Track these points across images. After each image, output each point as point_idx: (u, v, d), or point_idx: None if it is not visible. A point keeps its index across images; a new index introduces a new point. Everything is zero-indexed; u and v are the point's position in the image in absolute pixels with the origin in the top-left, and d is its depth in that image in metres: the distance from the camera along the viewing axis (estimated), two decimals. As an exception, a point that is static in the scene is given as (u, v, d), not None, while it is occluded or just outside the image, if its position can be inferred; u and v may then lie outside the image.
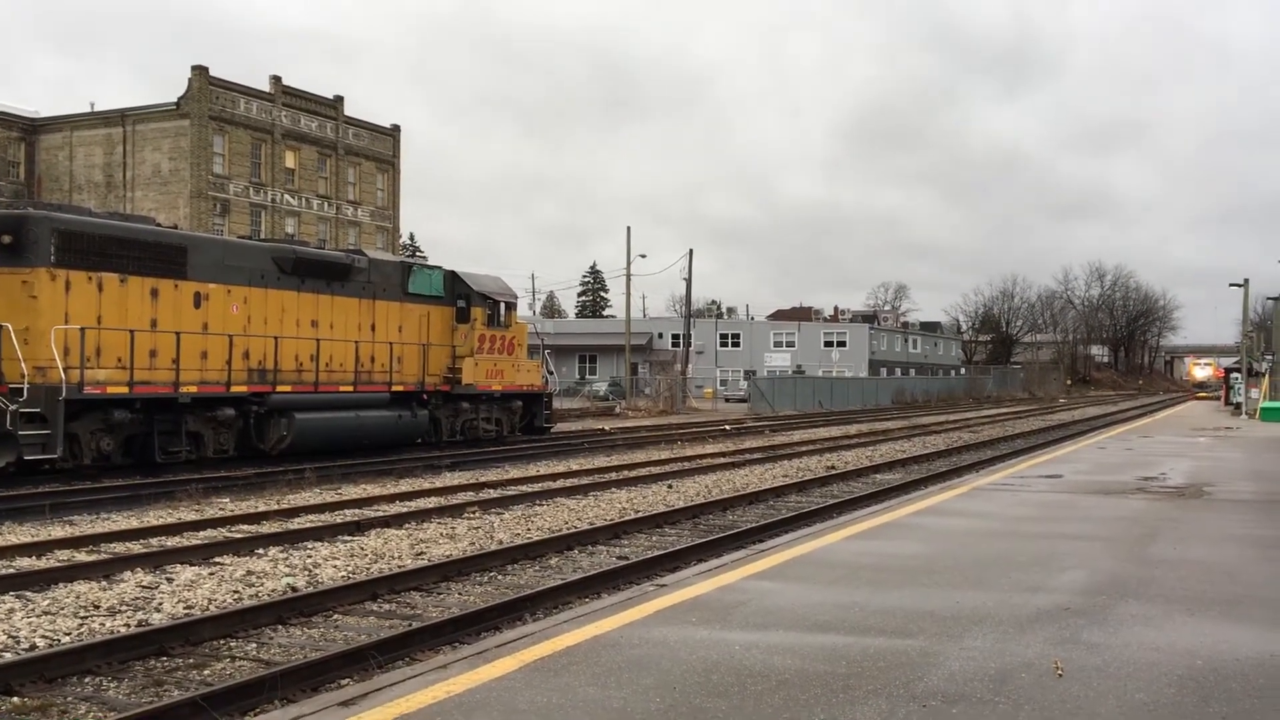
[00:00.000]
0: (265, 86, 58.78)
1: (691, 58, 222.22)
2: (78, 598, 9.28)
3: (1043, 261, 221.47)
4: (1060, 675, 5.34)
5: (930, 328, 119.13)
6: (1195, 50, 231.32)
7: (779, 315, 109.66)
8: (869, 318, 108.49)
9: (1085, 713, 4.78)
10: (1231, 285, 55.70)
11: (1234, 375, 56.11)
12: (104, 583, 9.93)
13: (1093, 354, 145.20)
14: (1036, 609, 6.84)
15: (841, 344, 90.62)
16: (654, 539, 13.15)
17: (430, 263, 27.06)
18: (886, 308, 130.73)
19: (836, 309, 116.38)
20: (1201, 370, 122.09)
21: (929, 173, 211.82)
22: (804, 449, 28.10)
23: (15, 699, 6.54)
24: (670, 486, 18.80)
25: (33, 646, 7.73)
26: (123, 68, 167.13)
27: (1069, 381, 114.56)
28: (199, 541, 12.26)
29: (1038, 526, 10.68)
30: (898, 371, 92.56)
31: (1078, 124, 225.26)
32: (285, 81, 59.31)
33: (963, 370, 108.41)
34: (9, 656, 7.38)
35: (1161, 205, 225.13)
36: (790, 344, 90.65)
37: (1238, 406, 48.93)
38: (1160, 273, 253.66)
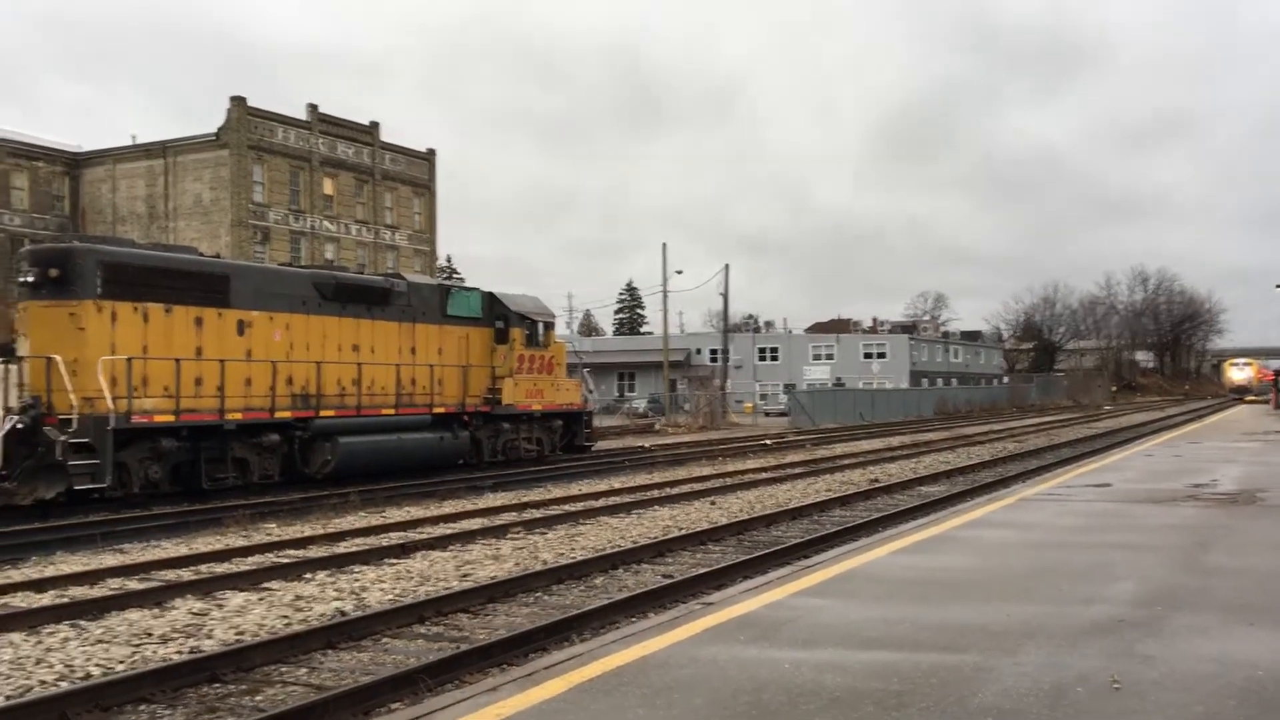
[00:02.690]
0: (298, 112, 59.56)
1: (717, 63, 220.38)
2: (130, 626, 9.39)
3: (1085, 267, 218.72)
4: (1117, 689, 5.26)
5: (971, 337, 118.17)
6: (1239, 42, 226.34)
7: (817, 328, 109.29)
8: (908, 328, 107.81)
9: (1144, 727, 4.70)
10: (1278, 286, 54.74)
11: (1283, 377, 55.07)
12: (156, 610, 10.05)
13: (1138, 359, 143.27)
14: (1090, 621, 6.74)
15: (881, 355, 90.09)
16: (699, 556, 13.11)
17: (468, 284, 27.22)
18: (926, 317, 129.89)
19: (875, 320, 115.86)
20: (1240, 372, 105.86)
21: (966, 176, 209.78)
22: (846, 462, 27.93)
23: (72, 727, 6.62)
24: (713, 503, 18.74)
25: (88, 675, 7.83)
26: (141, 92, 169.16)
27: (1114, 388, 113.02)
28: (248, 567, 12.38)
29: (1087, 537, 10.53)
30: (939, 382, 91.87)
31: (1118, 122, 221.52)
32: (305, 100, 60.27)
33: (1005, 379, 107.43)
34: (65, 686, 7.48)
35: (1206, 204, 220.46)
36: (829, 356, 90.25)
37: (1288, 409, 48.04)
38: (1205, 274, 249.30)
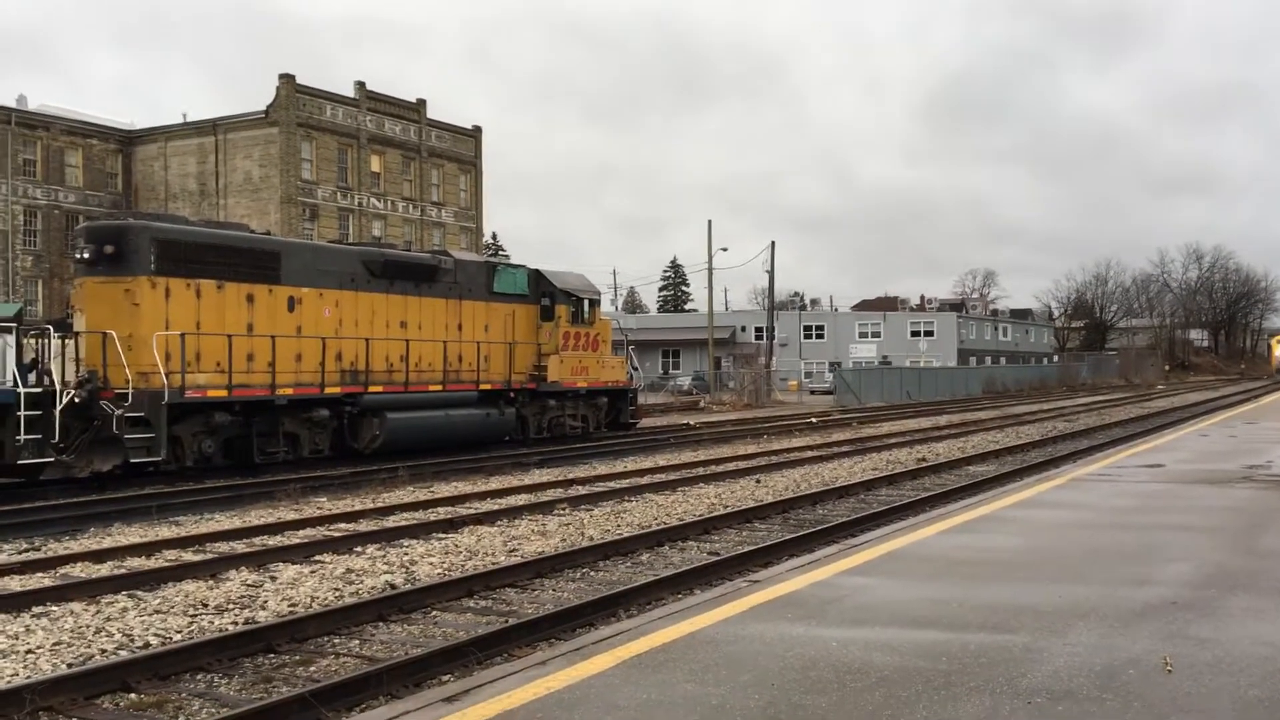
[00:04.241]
0: (342, 84, 60.07)
1: (764, 33, 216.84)
2: (186, 596, 9.59)
3: (1138, 243, 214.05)
4: (1170, 671, 5.21)
5: (1021, 315, 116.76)
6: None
7: (864, 305, 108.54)
8: (956, 306, 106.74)
9: (1198, 710, 4.66)
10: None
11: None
12: (211, 582, 10.24)
13: (1191, 338, 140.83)
14: (1142, 603, 6.68)
15: (929, 333, 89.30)
16: (744, 534, 13.13)
17: (514, 261, 27.33)
18: (974, 295, 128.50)
19: (923, 298, 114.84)
20: None
21: (1018, 150, 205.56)
22: (893, 441, 27.78)
23: (133, 695, 6.79)
24: (758, 481, 18.74)
25: (146, 644, 8.01)
26: (183, 62, 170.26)
27: (1167, 367, 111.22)
28: (299, 540, 12.57)
29: (1140, 518, 10.41)
30: (988, 360, 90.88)
31: (1176, 94, 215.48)
32: (347, 70, 61.18)
33: (1055, 358, 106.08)
34: (125, 654, 7.66)
35: (1265, 178, 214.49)
36: (876, 334, 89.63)
37: (1347, 390, 47.00)
38: (1262, 250, 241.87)
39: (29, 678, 6.99)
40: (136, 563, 11.35)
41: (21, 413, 15.64)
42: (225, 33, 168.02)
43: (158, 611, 9.04)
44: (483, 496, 16.58)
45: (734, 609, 6.61)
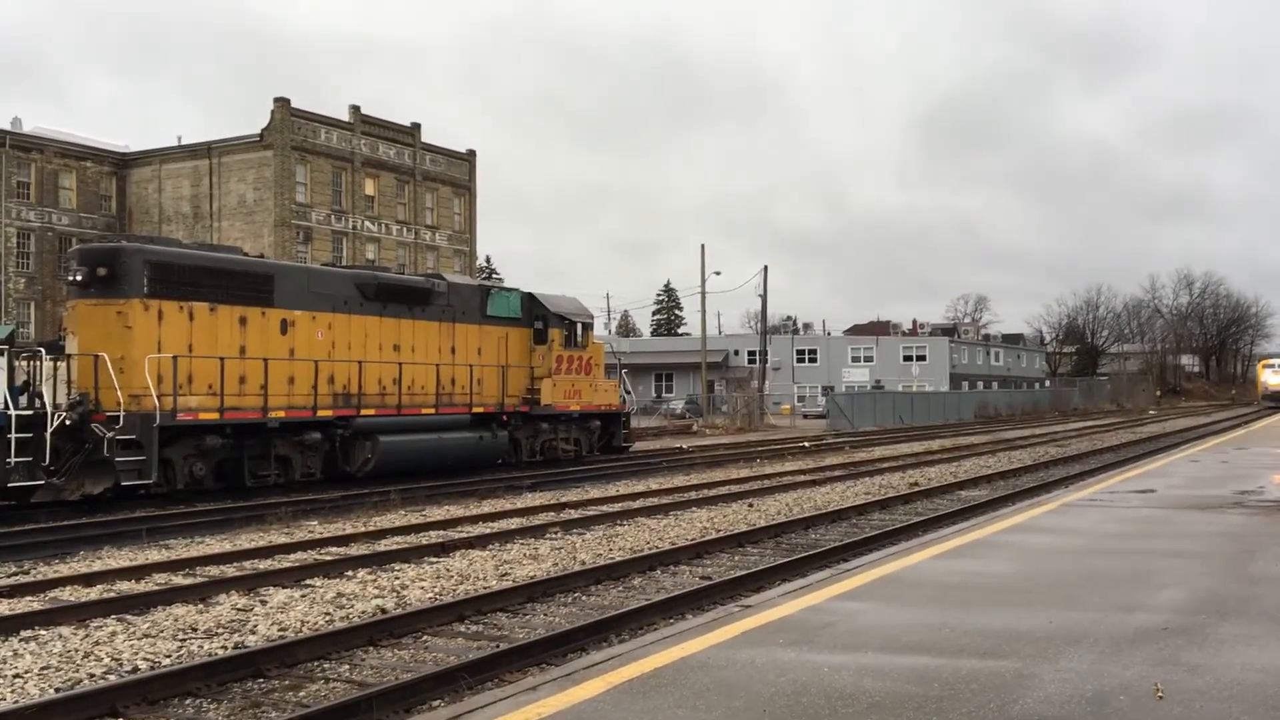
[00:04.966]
0: (335, 107, 60.40)
1: (757, 56, 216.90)
2: (176, 620, 9.54)
3: (1129, 269, 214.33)
4: (1160, 698, 5.21)
5: (1013, 340, 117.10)
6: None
7: (856, 330, 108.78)
8: (949, 331, 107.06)
9: (1189, 737, 4.65)
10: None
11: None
12: (200, 605, 10.19)
13: (1183, 364, 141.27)
14: (1134, 629, 6.68)
15: (921, 358, 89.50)
16: (736, 558, 13.10)
17: (507, 285, 27.38)
18: (966, 320, 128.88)
19: (915, 322, 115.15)
20: (1276, 375, 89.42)
21: (1011, 173, 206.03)
22: (885, 465, 27.77)
23: (121, 720, 6.74)
24: (751, 505, 18.71)
25: (135, 669, 7.96)
26: (178, 88, 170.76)
27: (1159, 393, 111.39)
28: (290, 564, 12.52)
29: (1131, 543, 10.42)
30: (980, 385, 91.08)
31: (1168, 118, 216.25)
32: (340, 92, 61.48)
33: (1047, 383, 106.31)
34: (113, 679, 7.61)
35: (1255, 204, 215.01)
36: (869, 359, 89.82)
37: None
38: (1253, 274, 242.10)
39: (16, 702, 6.95)
40: (126, 586, 11.29)
41: (12, 435, 15.59)
42: (220, 56, 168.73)
43: (147, 635, 8.99)
44: (475, 520, 16.54)
45: (726, 634, 6.59)
